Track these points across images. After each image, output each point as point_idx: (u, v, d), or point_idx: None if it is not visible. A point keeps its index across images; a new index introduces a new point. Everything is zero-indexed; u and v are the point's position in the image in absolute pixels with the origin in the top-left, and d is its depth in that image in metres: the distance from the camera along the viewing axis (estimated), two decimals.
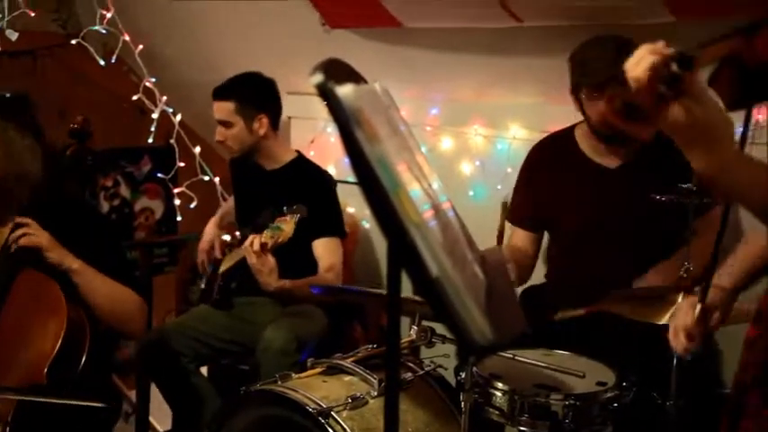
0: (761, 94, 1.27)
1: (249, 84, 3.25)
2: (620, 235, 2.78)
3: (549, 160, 2.95)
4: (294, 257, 3.03)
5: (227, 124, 3.21)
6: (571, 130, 2.94)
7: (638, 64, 1.17)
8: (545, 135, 3.06)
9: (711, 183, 1.26)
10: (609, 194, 2.79)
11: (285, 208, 2.85)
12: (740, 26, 1.20)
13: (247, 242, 2.83)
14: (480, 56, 3.53)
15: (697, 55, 1.13)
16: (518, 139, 3.51)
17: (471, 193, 3.67)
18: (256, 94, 3.23)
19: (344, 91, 1.10)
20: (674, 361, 2.21)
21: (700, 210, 2.30)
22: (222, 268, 3.21)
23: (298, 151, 3.40)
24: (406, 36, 3.63)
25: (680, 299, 2.22)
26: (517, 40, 3.36)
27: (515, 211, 3.03)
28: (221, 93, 3.23)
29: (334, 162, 3.84)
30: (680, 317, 2.05)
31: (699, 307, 1.96)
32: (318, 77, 1.09)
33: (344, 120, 1.10)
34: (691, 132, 1.19)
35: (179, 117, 4.15)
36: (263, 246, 2.78)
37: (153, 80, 4.10)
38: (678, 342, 2.02)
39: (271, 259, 2.83)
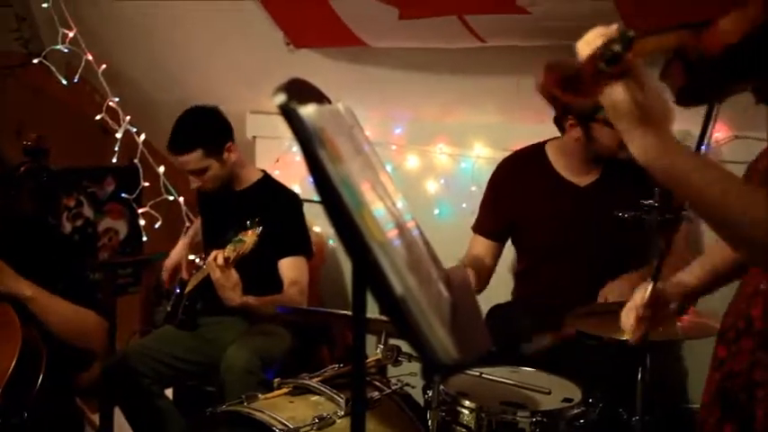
0: (709, 93, 1.27)
1: (201, 123, 3.18)
2: (587, 252, 2.81)
3: (518, 175, 2.98)
4: (260, 276, 3.02)
5: (202, 171, 3.16)
6: (542, 146, 2.97)
7: (588, 43, 1.19)
8: (508, 153, 3.09)
9: (650, 169, 1.25)
10: (578, 212, 2.83)
11: (248, 222, 2.85)
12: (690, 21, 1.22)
13: (210, 257, 2.83)
14: (444, 76, 3.56)
15: (637, 36, 1.14)
16: (482, 157, 3.54)
17: (436, 211, 3.68)
18: (214, 130, 3.18)
19: (307, 111, 1.10)
20: (640, 376, 2.23)
21: (666, 226, 2.33)
22: (187, 288, 3.18)
23: (263, 171, 3.38)
24: (371, 56, 3.65)
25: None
26: (480, 60, 3.39)
27: (480, 222, 3.05)
28: (181, 146, 3.14)
29: (300, 181, 3.83)
30: (634, 297, 1.96)
31: (650, 287, 1.88)
32: (281, 98, 1.09)
33: (307, 140, 1.10)
34: (629, 114, 1.19)
35: (143, 137, 4.12)
36: (225, 260, 2.77)
37: (116, 99, 4.08)
38: (627, 322, 1.94)
39: (234, 274, 2.83)
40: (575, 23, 3.05)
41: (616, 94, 1.18)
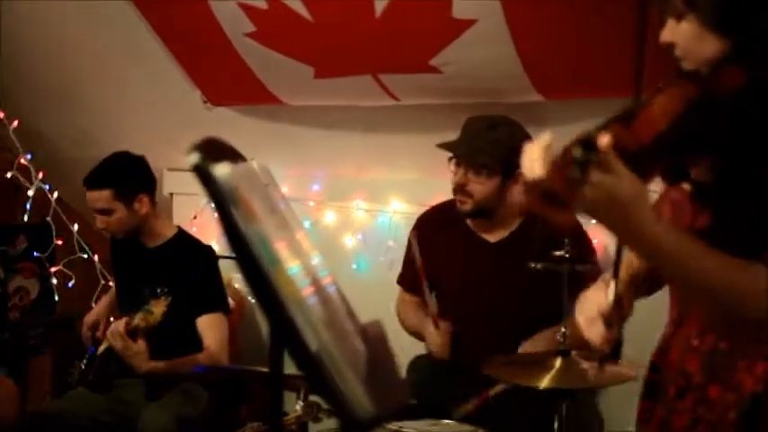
0: (646, 175, 1.29)
1: (122, 166, 3.17)
2: (500, 308, 2.85)
3: (432, 231, 3.02)
4: (178, 335, 2.99)
5: (107, 212, 3.12)
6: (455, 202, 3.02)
7: (534, 163, 1.19)
8: (424, 208, 3.14)
9: (658, 265, 1.27)
10: (490, 268, 2.88)
11: (158, 290, 2.83)
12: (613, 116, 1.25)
13: (112, 326, 2.79)
14: (360, 133, 3.62)
15: (594, 134, 1.15)
16: (398, 212, 3.59)
17: (354, 265, 3.70)
18: (132, 176, 3.16)
19: (221, 170, 1.11)
20: (556, 425, 2.27)
21: (576, 279, 2.37)
22: (100, 349, 3.12)
23: (179, 227, 3.36)
24: (288, 113, 3.68)
25: (558, 363, 2.29)
26: (395, 117, 3.46)
27: (405, 276, 3.10)
28: (95, 182, 3.11)
29: (218, 238, 3.81)
30: (590, 303, 1.65)
31: (612, 283, 1.59)
32: (194, 157, 1.10)
33: (221, 199, 1.10)
34: (612, 210, 1.20)
35: (56, 194, 4.05)
36: (134, 329, 2.75)
37: (28, 157, 4.01)
38: (595, 332, 1.60)
39: (139, 344, 2.82)
40: (486, 84, 3.20)
41: (592, 195, 1.17)
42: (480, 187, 2.80)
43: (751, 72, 1.28)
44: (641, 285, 1.63)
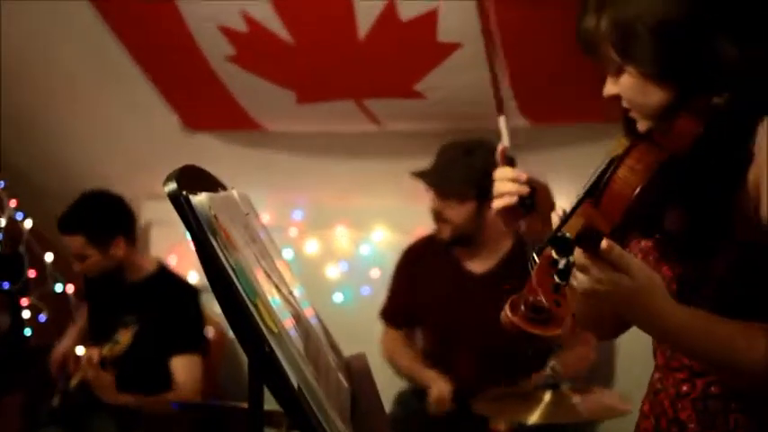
0: (626, 242, 1.32)
1: (95, 210, 3.09)
2: (490, 340, 2.80)
3: (420, 263, 3.03)
4: (146, 370, 2.95)
5: (81, 258, 3.06)
6: None
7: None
8: (409, 236, 3.12)
9: (669, 343, 1.28)
10: (474, 300, 2.85)
11: (126, 320, 2.79)
12: (580, 196, 1.26)
13: (86, 355, 2.77)
14: (343, 160, 3.59)
15: (568, 236, 1.13)
16: (383, 241, 3.55)
17: (337, 296, 3.65)
18: (106, 220, 3.08)
19: (199, 199, 1.09)
20: None
21: None
22: (73, 382, 3.04)
23: (160, 262, 3.28)
24: (268, 140, 3.64)
25: (547, 397, 2.25)
26: (378, 144, 3.44)
27: (389, 310, 3.08)
28: (67, 226, 3.05)
29: (198, 269, 3.74)
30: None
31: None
32: (171, 186, 1.07)
33: (199, 229, 1.08)
34: (623, 303, 1.21)
35: (29, 223, 3.96)
36: (103, 359, 2.71)
37: (0, 184, 3.92)
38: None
39: (106, 374, 2.79)
40: (471, 109, 3.17)
41: (585, 288, 1.18)
42: (455, 213, 2.82)
43: (704, 116, 1.27)
44: (605, 327, 1.59)
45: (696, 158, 1.28)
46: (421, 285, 2.96)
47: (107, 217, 3.09)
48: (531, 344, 1.13)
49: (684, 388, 1.41)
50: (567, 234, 1.13)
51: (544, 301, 1.13)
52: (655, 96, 1.29)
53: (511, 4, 2.64)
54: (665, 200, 1.30)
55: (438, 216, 2.87)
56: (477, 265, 2.89)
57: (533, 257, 1.19)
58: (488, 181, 2.66)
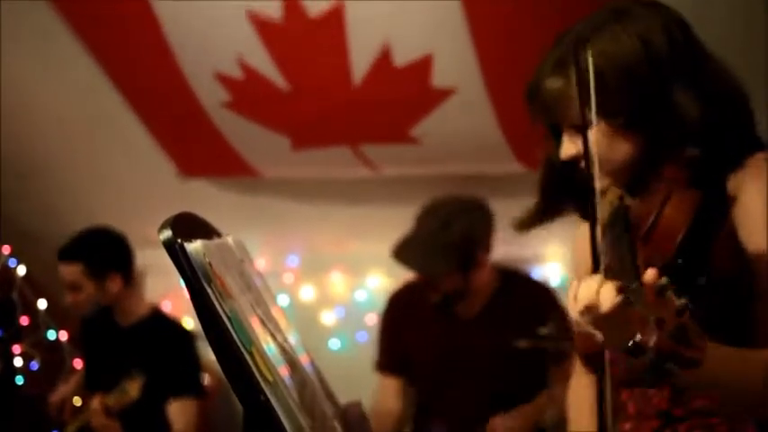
0: None
1: (97, 242, 3.12)
2: (478, 384, 2.81)
3: (407, 309, 3.01)
4: (148, 417, 2.92)
5: (76, 288, 3.06)
6: None
7: (597, 302, 1.13)
8: (405, 282, 3.10)
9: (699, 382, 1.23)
10: (463, 344, 2.85)
11: (132, 371, 2.76)
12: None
13: (93, 403, 2.73)
14: (339, 205, 3.59)
15: (688, 305, 1.11)
16: (378, 286, 3.54)
17: (332, 342, 3.62)
18: (106, 253, 3.10)
19: (193, 247, 1.09)
20: None
21: (556, 358, 2.36)
22: (69, 430, 3.02)
23: (154, 306, 3.27)
24: (264, 186, 3.65)
25: None
26: (374, 190, 3.45)
27: (383, 359, 3.05)
28: (67, 254, 3.06)
29: (193, 315, 3.71)
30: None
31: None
32: (166, 234, 1.08)
33: (193, 276, 1.08)
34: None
35: (23, 269, 3.94)
36: (108, 408, 2.68)
37: None
38: (589, 290, 1.19)
39: (114, 423, 2.77)
40: (466, 154, 3.18)
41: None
42: (440, 284, 2.82)
43: (682, 167, 1.31)
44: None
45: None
46: (409, 331, 2.96)
47: (107, 251, 3.11)
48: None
49: None
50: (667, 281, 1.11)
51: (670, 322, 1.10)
52: (623, 149, 1.32)
53: (497, 48, 2.66)
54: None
55: (426, 284, 2.88)
56: (465, 309, 2.88)
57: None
58: (470, 248, 2.71)
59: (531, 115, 1.42)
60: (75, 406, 3.23)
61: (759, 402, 1.27)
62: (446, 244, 2.72)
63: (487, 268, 2.84)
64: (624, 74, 1.29)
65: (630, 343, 1.09)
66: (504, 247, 3.16)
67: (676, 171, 1.30)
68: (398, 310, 3.03)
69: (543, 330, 2.39)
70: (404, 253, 2.82)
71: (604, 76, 1.27)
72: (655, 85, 1.29)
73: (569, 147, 1.36)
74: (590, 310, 1.12)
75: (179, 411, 3.00)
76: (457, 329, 2.88)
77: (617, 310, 1.09)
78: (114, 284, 3.06)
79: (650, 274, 1.09)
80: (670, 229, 1.25)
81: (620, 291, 1.09)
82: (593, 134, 1.27)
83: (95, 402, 2.73)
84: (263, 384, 1.07)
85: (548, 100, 1.35)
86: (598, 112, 1.26)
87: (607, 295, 1.10)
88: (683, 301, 1.09)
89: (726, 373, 1.21)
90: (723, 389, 1.26)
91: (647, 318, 1.07)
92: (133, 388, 2.72)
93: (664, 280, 1.09)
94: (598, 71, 1.25)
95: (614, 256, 1.25)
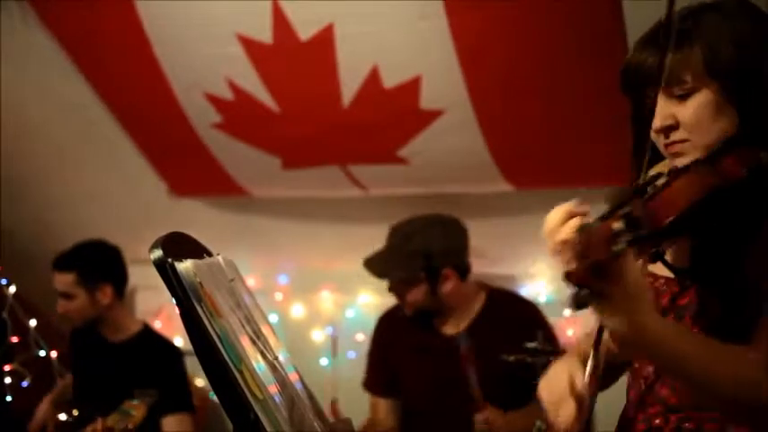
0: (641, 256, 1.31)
1: (91, 253, 3.14)
2: (468, 403, 2.81)
3: (395, 328, 3.01)
4: None
5: (68, 296, 3.07)
6: None
7: (565, 231, 1.20)
8: (394, 301, 3.11)
9: (634, 346, 1.22)
10: (452, 362, 2.84)
11: (135, 392, 2.75)
12: (629, 189, 1.24)
13: (96, 426, 2.71)
14: (329, 225, 3.60)
15: (642, 215, 1.14)
16: (368, 305, 3.54)
17: (323, 360, 3.62)
18: (99, 264, 3.12)
19: (184, 266, 1.10)
20: None
21: (543, 373, 2.36)
22: None
23: (144, 323, 3.27)
24: (255, 205, 3.66)
25: None
26: (363, 208, 3.46)
27: (371, 378, 3.05)
28: (61, 263, 3.10)
29: (182, 333, 3.72)
30: (557, 381, 1.50)
31: (592, 356, 1.46)
32: (157, 253, 1.09)
33: (184, 296, 1.10)
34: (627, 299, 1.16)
35: (13, 288, 3.94)
36: (106, 430, 2.66)
37: None
38: (566, 413, 1.45)
39: None
40: (454, 174, 3.20)
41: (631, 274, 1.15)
42: (408, 295, 2.86)
43: (748, 165, 1.29)
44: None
45: (730, 198, 1.29)
46: (397, 352, 2.96)
47: (101, 261, 3.13)
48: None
49: (657, 421, 1.41)
50: (633, 209, 1.13)
51: (604, 262, 1.12)
52: (723, 123, 1.32)
53: (484, 70, 2.69)
54: (694, 229, 1.29)
55: (396, 297, 2.94)
56: (451, 328, 2.90)
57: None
58: (431, 259, 2.76)
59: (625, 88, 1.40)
60: (62, 422, 3.22)
61: (720, 395, 1.25)
62: (408, 252, 2.81)
63: (456, 283, 2.83)
64: (735, 40, 1.31)
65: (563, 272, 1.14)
66: (492, 266, 3.20)
67: (737, 167, 1.29)
68: (387, 330, 3.04)
69: (531, 345, 2.40)
70: (370, 262, 2.92)
71: (719, 39, 1.30)
72: (762, 61, 1.31)
73: (666, 115, 1.34)
74: (550, 234, 1.23)
75: (174, 426, 3.00)
76: (442, 348, 2.89)
77: (568, 241, 1.17)
78: (105, 296, 3.07)
79: (613, 221, 1.13)
80: (670, 202, 1.24)
81: (579, 227, 1.16)
82: (700, 98, 1.31)
83: (96, 425, 2.70)
84: (252, 402, 1.08)
85: (645, 73, 1.33)
86: (714, 74, 1.30)
87: (563, 226, 1.22)
88: (620, 246, 1.10)
89: (675, 349, 1.21)
90: (666, 362, 1.25)
91: (578, 251, 1.12)
92: (138, 411, 2.69)
93: (618, 226, 1.11)
94: (712, 33, 1.30)
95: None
